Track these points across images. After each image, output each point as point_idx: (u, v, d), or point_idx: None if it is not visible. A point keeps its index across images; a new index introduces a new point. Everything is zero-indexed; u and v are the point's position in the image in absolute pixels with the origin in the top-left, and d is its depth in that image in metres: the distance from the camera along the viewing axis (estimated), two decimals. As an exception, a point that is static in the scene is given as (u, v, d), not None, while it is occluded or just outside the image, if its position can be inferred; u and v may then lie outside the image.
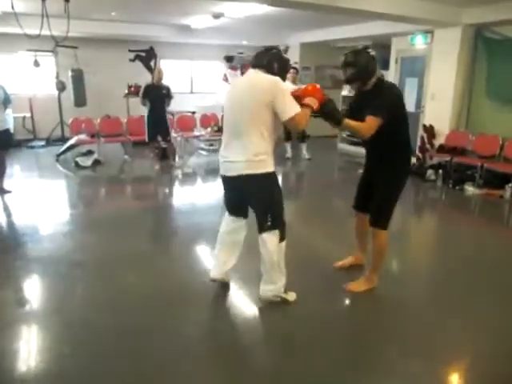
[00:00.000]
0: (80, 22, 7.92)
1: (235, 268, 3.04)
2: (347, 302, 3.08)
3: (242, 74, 11.33)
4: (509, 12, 5.68)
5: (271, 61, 2.66)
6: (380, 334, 2.65)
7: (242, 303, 2.99)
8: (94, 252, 3.82)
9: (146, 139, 6.92)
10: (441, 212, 5.58)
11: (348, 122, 2.68)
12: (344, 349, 2.53)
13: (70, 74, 8.55)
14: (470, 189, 5.94)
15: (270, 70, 2.63)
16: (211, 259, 3.40)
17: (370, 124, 2.65)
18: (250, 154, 2.58)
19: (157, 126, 6.77)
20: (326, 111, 2.64)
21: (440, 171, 6.38)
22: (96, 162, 7.11)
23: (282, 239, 2.74)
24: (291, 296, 2.92)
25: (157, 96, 6.70)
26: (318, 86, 2.69)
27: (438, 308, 2.97)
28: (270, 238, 2.70)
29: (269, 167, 2.65)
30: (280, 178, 7.31)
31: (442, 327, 2.71)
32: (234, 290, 3.11)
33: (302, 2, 5.11)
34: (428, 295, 3.22)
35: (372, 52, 2.79)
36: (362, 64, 2.73)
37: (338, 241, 4.08)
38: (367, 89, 2.82)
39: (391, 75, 8.00)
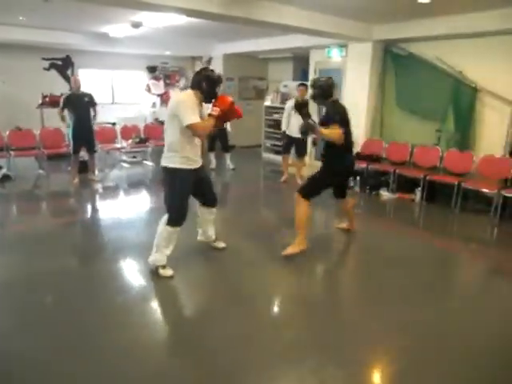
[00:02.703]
0: (-16, 26, 7.38)
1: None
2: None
3: (166, 84, 11.21)
4: (411, 31, 6.20)
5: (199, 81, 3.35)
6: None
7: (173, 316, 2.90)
8: (1, 274, 3.53)
9: (71, 151, 6.58)
10: (359, 216, 5.81)
11: (323, 131, 3.69)
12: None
13: (-26, 82, 7.88)
14: (384, 194, 6.30)
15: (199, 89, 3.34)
16: (135, 274, 3.53)
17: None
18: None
19: (82, 136, 6.47)
20: (304, 131, 3.68)
21: (357, 178, 6.70)
22: (5, 178, 6.59)
23: (169, 224, 3.40)
24: (166, 272, 3.48)
25: (80, 105, 6.40)
26: (226, 97, 3.44)
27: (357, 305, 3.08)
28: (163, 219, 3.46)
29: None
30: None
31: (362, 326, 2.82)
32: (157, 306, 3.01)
33: (218, 13, 5.11)
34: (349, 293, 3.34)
35: (330, 80, 3.97)
36: (323, 87, 3.92)
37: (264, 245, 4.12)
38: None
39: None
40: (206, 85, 3.29)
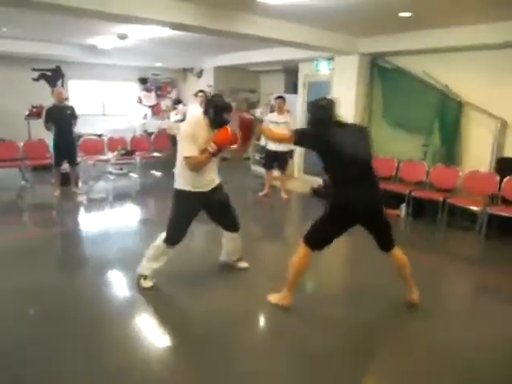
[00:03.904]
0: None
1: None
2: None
3: (157, 96, 11.19)
4: (395, 44, 6.17)
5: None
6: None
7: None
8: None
9: (54, 163, 6.57)
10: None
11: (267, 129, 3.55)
12: None
13: (-41, 93, 7.85)
14: (369, 209, 6.17)
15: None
16: (118, 288, 3.54)
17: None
18: None
19: (63, 149, 6.46)
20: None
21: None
22: (-15, 189, 6.51)
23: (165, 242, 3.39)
24: (146, 283, 3.48)
25: (61, 118, 6.37)
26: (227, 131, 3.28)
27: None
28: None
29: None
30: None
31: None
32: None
33: (200, 26, 5.08)
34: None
35: (322, 102, 3.15)
36: (313, 113, 3.15)
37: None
38: None
39: (299, 99, 8.26)
40: (212, 112, 3.25)
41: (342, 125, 3.06)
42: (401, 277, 3.30)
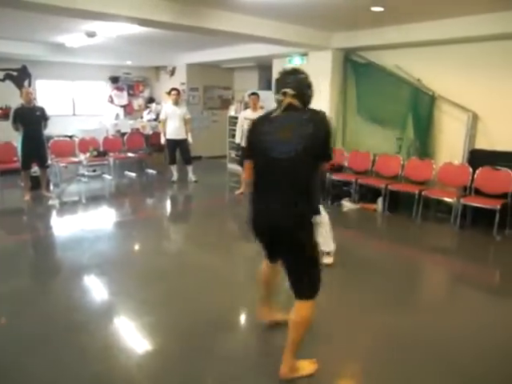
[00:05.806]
0: None
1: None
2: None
3: (129, 95, 10.95)
4: (368, 39, 6.18)
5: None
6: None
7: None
8: None
9: (22, 166, 6.33)
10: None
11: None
12: None
13: None
14: (346, 204, 6.19)
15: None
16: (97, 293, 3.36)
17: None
18: None
19: (32, 151, 6.24)
20: None
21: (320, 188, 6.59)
22: None
23: None
24: (324, 258, 3.70)
25: (30, 119, 6.15)
26: None
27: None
28: None
29: None
30: (168, 202, 7.09)
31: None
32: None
33: (169, 22, 4.97)
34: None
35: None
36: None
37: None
38: None
39: (273, 95, 8.20)
40: None
41: (287, 109, 2.19)
42: (286, 347, 2.30)
